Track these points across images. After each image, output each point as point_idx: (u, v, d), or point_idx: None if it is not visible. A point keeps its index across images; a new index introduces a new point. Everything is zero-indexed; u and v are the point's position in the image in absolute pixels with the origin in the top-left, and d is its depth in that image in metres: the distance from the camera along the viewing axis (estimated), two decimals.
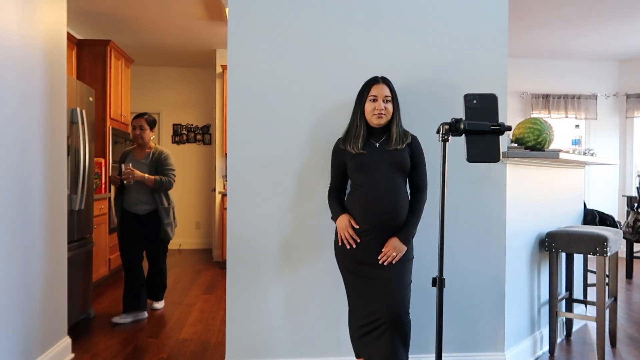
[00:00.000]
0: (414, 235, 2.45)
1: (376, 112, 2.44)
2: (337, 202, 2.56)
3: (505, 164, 2.94)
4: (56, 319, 3.00)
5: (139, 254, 4.19)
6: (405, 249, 2.40)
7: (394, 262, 2.39)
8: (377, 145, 2.47)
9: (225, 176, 6.92)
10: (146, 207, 4.17)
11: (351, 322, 2.52)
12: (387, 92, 2.47)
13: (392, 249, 2.39)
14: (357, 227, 2.42)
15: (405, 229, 2.42)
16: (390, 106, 2.46)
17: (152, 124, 4.31)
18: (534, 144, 3.15)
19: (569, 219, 3.84)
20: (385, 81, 2.50)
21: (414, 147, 2.51)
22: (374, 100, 2.45)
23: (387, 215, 2.41)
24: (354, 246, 2.43)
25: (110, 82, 5.70)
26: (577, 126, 5.12)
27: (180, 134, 8.05)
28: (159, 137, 8.03)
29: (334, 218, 2.52)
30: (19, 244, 2.56)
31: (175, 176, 4.38)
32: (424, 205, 2.52)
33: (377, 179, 2.42)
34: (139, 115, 4.29)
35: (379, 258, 2.40)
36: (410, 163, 2.48)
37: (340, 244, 2.49)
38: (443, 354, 2.70)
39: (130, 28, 5.98)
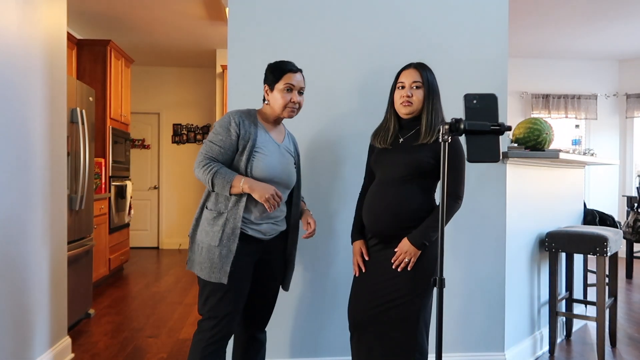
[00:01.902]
0: (428, 239, 2.11)
1: (402, 100, 2.16)
2: (360, 217, 2.31)
3: (505, 164, 2.94)
4: (56, 319, 3.00)
5: None
6: (414, 251, 2.10)
7: (409, 269, 2.12)
8: (402, 140, 2.21)
9: None
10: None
11: None
12: (417, 77, 2.16)
13: (402, 253, 2.12)
14: (367, 258, 2.25)
15: (416, 230, 2.11)
16: (419, 93, 2.15)
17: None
18: (534, 144, 3.15)
19: (569, 219, 3.84)
20: (418, 66, 2.20)
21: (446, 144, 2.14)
22: (402, 88, 2.18)
23: (387, 225, 2.15)
24: (363, 270, 2.25)
25: (110, 82, 5.70)
26: (577, 126, 5.13)
27: (180, 134, 8.05)
28: (159, 137, 8.04)
29: (351, 238, 2.34)
30: (19, 244, 2.56)
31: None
32: (449, 212, 2.15)
33: (384, 180, 2.20)
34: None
35: (392, 261, 2.14)
36: (435, 163, 2.13)
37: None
38: (443, 354, 2.70)
39: (130, 28, 5.98)
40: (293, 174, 2.27)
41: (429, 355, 2.89)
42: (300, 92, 2.19)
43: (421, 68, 2.20)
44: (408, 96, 2.15)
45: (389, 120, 2.25)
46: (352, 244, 2.34)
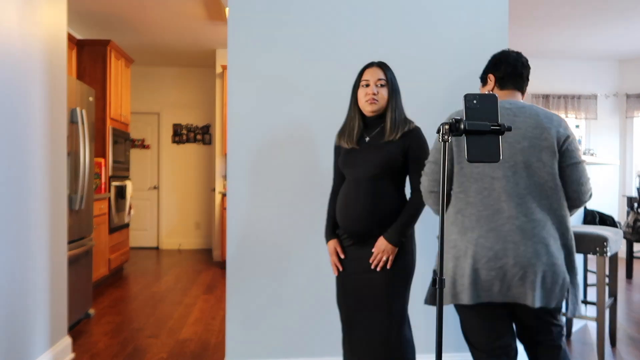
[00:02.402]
0: (404, 235, 2.15)
1: (367, 98, 2.16)
2: (333, 217, 2.31)
3: None
4: (56, 319, 3.00)
5: None
6: (392, 248, 2.13)
7: (388, 267, 2.15)
8: (368, 139, 2.21)
9: (225, 176, 6.92)
10: None
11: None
12: (381, 75, 2.18)
13: (379, 252, 2.14)
14: (342, 256, 2.25)
15: (391, 228, 2.14)
16: (384, 91, 2.18)
17: None
18: None
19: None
20: (381, 65, 2.23)
21: (412, 140, 2.17)
22: (366, 86, 2.18)
23: (362, 224, 2.16)
24: (340, 269, 2.27)
25: (110, 82, 5.70)
26: (577, 126, 5.13)
27: (180, 134, 8.05)
28: (159, 137, 8.04)
29: (325, 238, 2.33)
30: (19, 243, 2.56)
31: None
32: (418, 207, 2.18)
33: (355, 180, 2.19)
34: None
35: (370, 261, 2.16)
36: (403, 159, 2.17)
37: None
38: (443, 354, 2.70)
39: (130, 28, 5.98)
40: None
41: (429, 355, 2.89)
42: None
43: (384, 67, 2.23)
44: (374, 94, 2.16)
45: (353, 118, 2.25)
46: (326, 243, 2.34)
